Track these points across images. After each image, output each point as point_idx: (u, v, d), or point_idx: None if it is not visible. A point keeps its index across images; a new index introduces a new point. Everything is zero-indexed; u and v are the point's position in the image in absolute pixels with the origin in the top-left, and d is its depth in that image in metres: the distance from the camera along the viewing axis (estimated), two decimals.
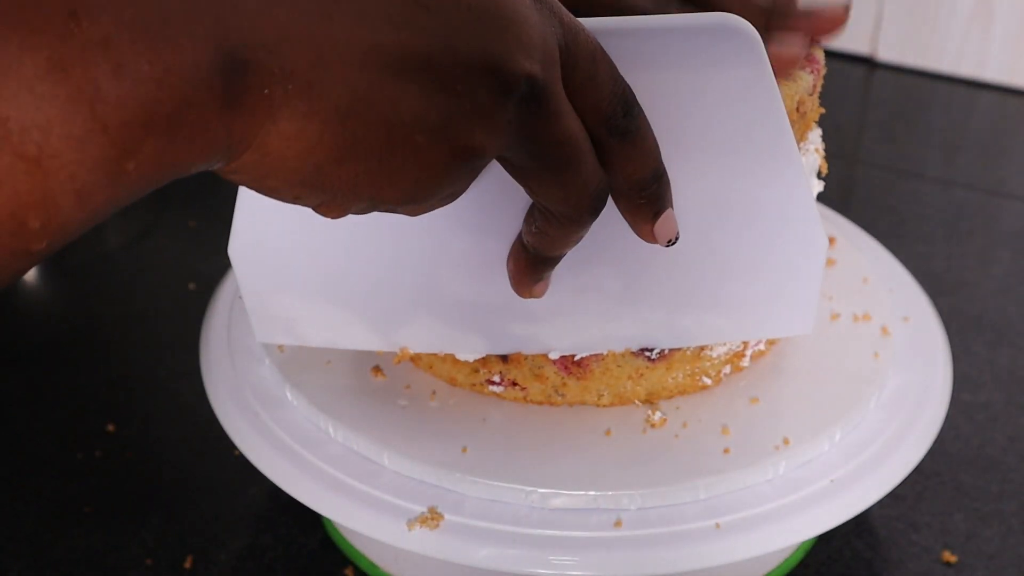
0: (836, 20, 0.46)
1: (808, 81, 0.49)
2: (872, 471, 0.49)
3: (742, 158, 0.42)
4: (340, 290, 0.47)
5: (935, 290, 0.77)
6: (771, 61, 0.39)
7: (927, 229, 0.85)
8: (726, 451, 0.48)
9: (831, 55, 1.13)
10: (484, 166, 0.33)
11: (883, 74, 1.12)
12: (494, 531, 0.45)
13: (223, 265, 0.79)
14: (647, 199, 0.38)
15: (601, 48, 0.35)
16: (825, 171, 0.53)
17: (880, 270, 0.61)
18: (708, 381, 0.52)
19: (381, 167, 0.30)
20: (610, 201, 0.38)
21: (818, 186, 0.54)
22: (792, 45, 0.44)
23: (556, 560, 0.45)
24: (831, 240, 0.62)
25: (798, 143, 0.51)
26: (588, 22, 0.35)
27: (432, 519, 0.46)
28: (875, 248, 0.64)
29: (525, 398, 0.51)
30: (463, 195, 0.35)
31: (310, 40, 0.28)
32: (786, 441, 0.48)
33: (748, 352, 0.53)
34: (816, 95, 0.51)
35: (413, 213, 0.34)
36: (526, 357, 0.50)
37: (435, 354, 0.52)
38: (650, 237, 0.39)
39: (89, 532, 0.58)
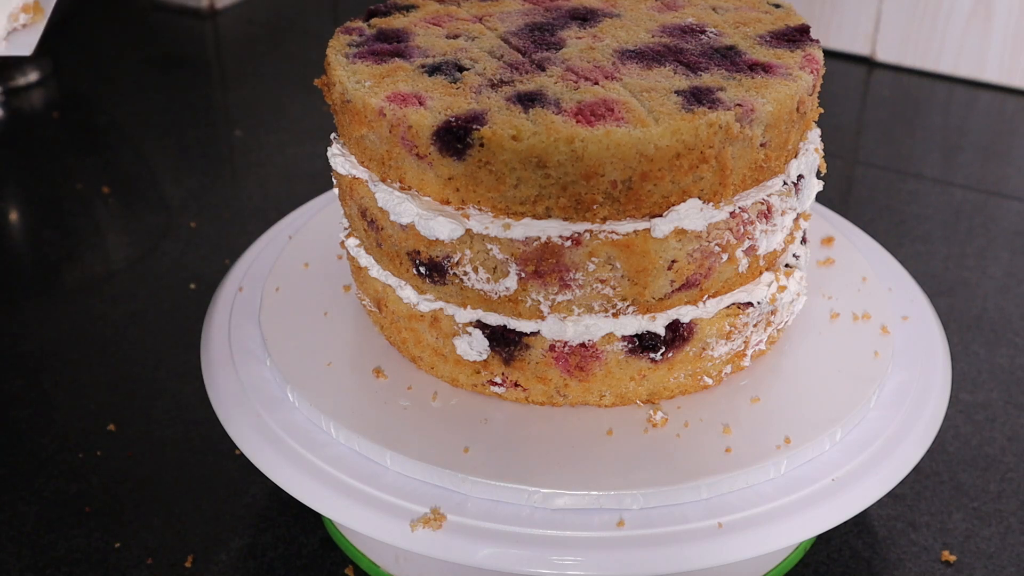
0: None
1: (808, 81, 0.49)
2: (873, 470, 0.49)
3: None
4: None
5: (934, 290, 0.77)
6: None
7: (926, 229, 0.85)
8: (727, 450, 0.48)
9: (830, 55, 1.13)
10: None
11: (882, 74, 1.12)
12: (496, 531, 0.45)
13: (223, 265, 0.79)
14: None
15: None
16: (824, 171, 0.54)
17: (879, 270, 0.61)
18: (709, 381, 0.52)
19: None
20: None
21: (817, 186, 0.54)
22: None
23: (558, 560, 0.45)
24: (830, 239, 0.62)
25: (798, 143, 0.51)
26: None
27: (435, 519, 0.46)
28: (874, 248, 0.64)
29: (527, 399, 0.51)
30: None
31: None
32: (787, 440, 0.49)
33: (749, 351, 0.53)
34: (815, 95, 0.51)
35: None
36: (528, 359, 0.50)
37: (437, 355, 0.52)
38: None
39: (89, 532, 0.58)
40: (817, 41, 0.52)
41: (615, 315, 0.48)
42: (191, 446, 0.63)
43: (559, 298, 0.47)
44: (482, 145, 0.45)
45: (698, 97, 0.46)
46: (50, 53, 1.14)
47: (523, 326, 0.49)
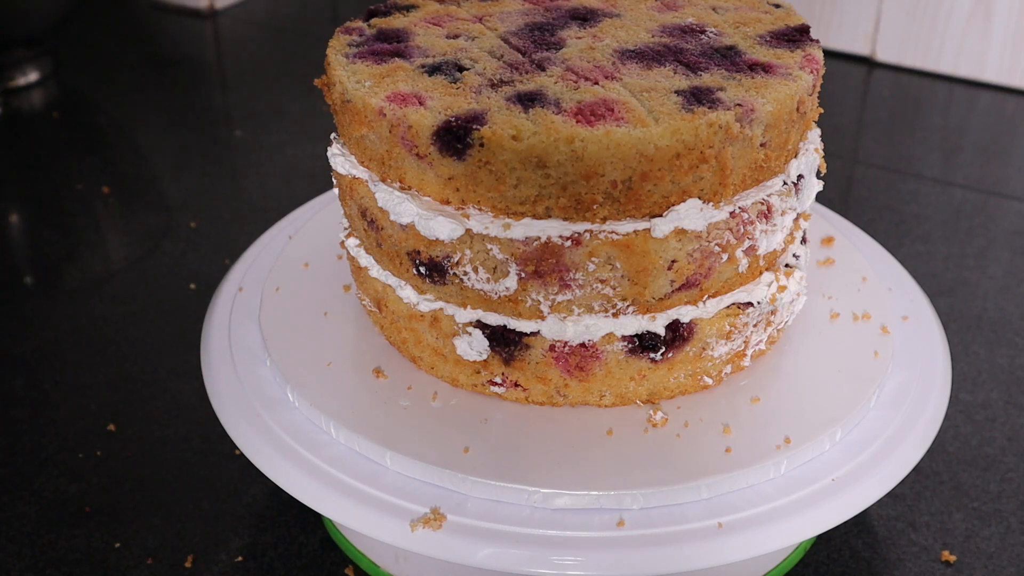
0: None
1: (808, 81, 0.49)
2: (873, 470, 0.49)
3: None
4: None
5: (934, 290, 0.77)
6: None
7: (926, 229, 0.85)
8: (727, 450, 0.48)
9: (830, 55, 1.13)
10: None
11: (882, 74, 1.12)
12: (496, 531, 0.45)
13: (223, 265, 0.79)
14: None
15: None
16: (824, 170, 0.54)
17: (879, 269, 0.61)
18: (709, 381, 0.52)
19: None
20: None
21: (817, 186, 0.54)
22: None
23: (558, 560, 0.45)
24: (830, 239, 0.62)
25: (798, 143, 0.51)
26: None
27: (435, 519, 0.46)
28: (874, 248, 0.64)
29: (527, 398, 0.51)
30: None
31: None
32: (787, 440, 0.49)
33: (749, 351, 0.53)
34: (815, 95, 0.51)
35: None
36: (528, 359, 0.50)
37: (437, 355, 0.52)
38: None
39: (89, 532, 0.58)
40: (817, 41, 0.52)
41: (615, 315, 0.48)
42: (191, 446, 0.63)
43: (559, 298, 0.47)
44: (482, 145, 0.45)
45: (698, 97, 0.46)
46: (50, 53, 1.14)
47: (523, 326, 0.49)
